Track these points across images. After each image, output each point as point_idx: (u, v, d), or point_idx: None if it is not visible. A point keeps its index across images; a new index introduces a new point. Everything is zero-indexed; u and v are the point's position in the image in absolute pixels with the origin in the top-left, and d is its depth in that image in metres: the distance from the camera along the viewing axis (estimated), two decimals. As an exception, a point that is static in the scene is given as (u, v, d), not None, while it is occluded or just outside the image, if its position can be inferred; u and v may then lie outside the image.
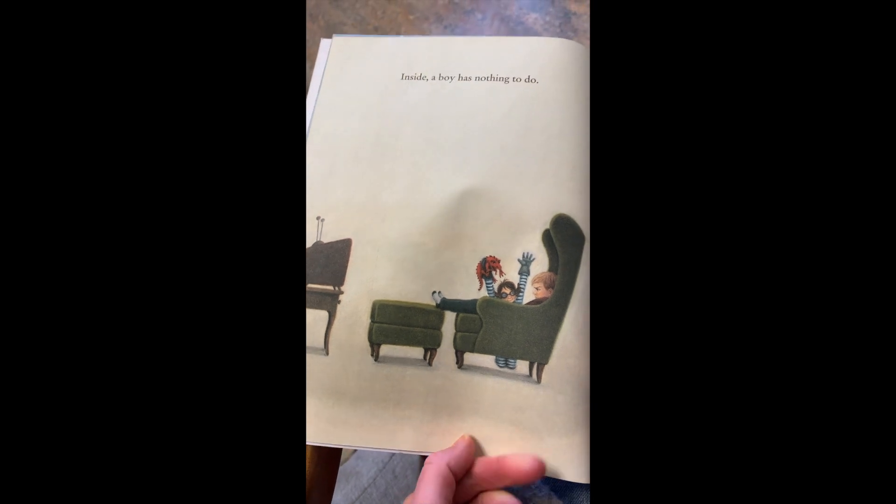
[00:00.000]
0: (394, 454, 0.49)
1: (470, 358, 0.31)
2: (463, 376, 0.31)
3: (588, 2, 0.56)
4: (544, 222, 0.33)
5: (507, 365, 0.31)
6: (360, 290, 0.33)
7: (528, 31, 0.72)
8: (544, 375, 0.30)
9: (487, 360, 0.31)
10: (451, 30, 0.61)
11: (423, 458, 0.33)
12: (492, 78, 0.36)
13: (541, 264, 0.32)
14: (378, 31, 0.92)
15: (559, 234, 0.32)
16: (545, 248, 0.32)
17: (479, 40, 0.38)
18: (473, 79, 0.36)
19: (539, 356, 0.31)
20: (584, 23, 0.55)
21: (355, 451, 0.59)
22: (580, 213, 0.33)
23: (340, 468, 0.56)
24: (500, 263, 0.32)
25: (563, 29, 0.55)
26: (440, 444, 0.31)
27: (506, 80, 0.36)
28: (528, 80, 0.35)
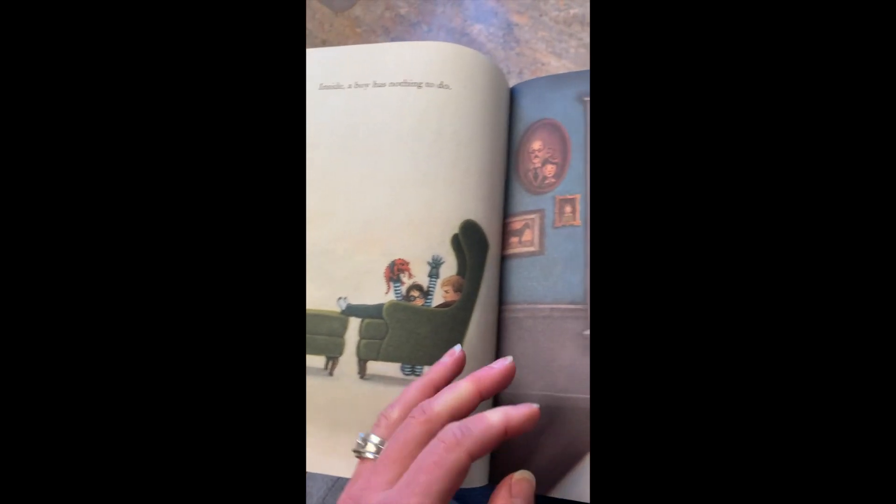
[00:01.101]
0: None
1: (373, 367, 0.31)
2: (365, 387, 0.30)
3: (529, 13, 0.56)
4: (453, 227, 0.32)
5: (413, 372, 0.30)
6: None
7: (472, 42, 0.72)
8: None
9: (392, 369, 0.30)
10: (398, 42, 0.62)
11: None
12: (405, 83, 0.36)
13: (450, 268, 0.32)
14: (326, 43, 0.92)
15: (467, 239, 0.32)
16: (454, 252, 0.32)
17: (394, 45, 0.38)
18: (388, 84, 0.36)
19: (442, 362, 0.30)
20: (525, 33, 0.55)
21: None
22: (485, 220, 0.33)
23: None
24: (409, 266, 0.32)
25: (506, 39, 0.56)
26: (338, 466, 0.29)
27: (419, 86, 0.36)
28: (441, 85, 0.35)
